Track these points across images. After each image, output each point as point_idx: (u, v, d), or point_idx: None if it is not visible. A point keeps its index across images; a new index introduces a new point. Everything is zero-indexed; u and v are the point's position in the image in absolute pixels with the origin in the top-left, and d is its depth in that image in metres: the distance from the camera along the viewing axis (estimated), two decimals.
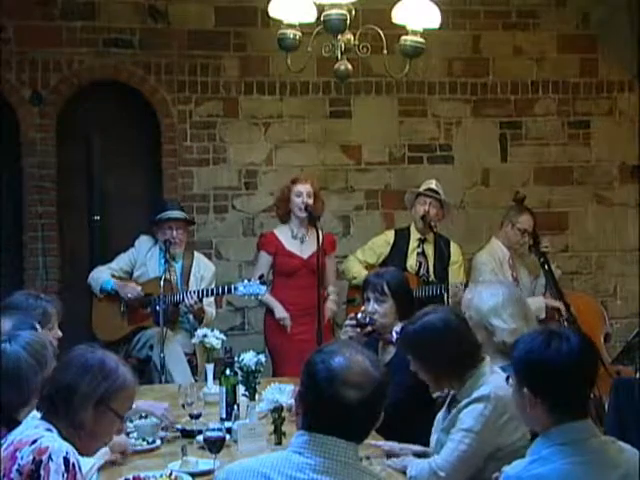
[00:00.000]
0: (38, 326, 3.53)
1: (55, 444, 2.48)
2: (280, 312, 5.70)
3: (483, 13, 7.07)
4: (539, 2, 7.14)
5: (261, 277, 5.41)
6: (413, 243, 6.02)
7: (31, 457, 2.45)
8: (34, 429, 2.54)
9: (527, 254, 6.16)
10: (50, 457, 2.44)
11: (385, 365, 4.04)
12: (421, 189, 6.02)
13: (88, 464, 3.14)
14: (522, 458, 2.53)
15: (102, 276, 5.80)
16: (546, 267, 6.01)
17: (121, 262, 5.88)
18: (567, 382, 2.38)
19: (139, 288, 5.72)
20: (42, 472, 2.43)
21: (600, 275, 7.26)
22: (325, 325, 5.62)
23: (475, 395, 3.21)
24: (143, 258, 5.86)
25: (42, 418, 2.57)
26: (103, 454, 3.31)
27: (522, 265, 6.15)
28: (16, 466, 2.45)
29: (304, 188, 5.69)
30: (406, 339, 3.41)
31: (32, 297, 3.85)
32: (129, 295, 5.71)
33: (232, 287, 5.51)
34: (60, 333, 3.88)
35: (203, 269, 5.92)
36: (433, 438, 3.41)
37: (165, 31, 6.67)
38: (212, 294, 5.71)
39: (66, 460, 2.47)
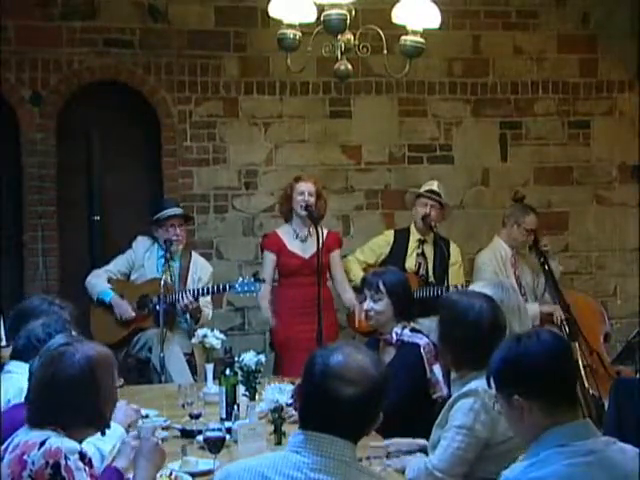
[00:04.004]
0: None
1: (65, 443, 2.48)
2: (270, 321, 5.80)
3: (483, 13, 7.07)
4: (539, 2, 7.14)
5: (255, 274, 5.45)
6: (413, 244, 6.01)
7: (43, 461, 2.44)
8: (39, 431, 2.53)
9: (528, 254, 6.16)
10: (66, 457, 2.44)
11: (387, 365, 4.05)
12: (422, 189, 6.01)
13: (109, 444, 3.20)
14: (513, 458, 2.55)
15: (99, 283, 5.78)
16: (546, 267, 6.02)
17: (119, 264, 5.87)
18: (551, 373, 2.36)
19: (133, 313, 5.71)
20: (64, 473, 2.43)
21: (600, 275, 7.25)
22: (332, 324, 5.64)
23: (464, 390, 3.22)
24: (141, 259, 5.86)
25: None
26: (120, 436, 3.35)
27: (524, 264, 6.14)
28: (27, 471, 2.44)
29: (306, 187, 5.70)
30: (442, 301, 3.63)
31: (55, 305, 3.83)
32: (122, 317, 5.70)
33: (228, 286, 5.55)
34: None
35: (200, 270, 5.93)
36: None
37: (165, 31, 6.67)
38: (208, 293, 5.73)
39: (82, 455, 2.48)
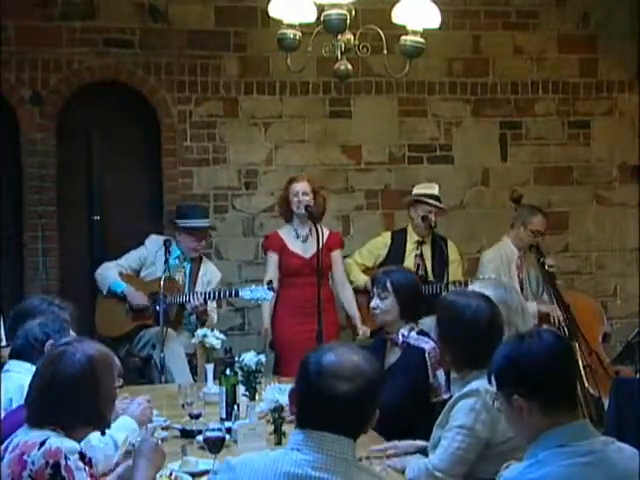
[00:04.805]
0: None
1: (64, 443, 2.48)
2: (265, 322, 5.76)
3: (483, 13, 7.07)
4: (539, 2, 7.14)
5: (269, 283, 5.40)
6: (410, 245, 6.04)
7: (43, 461, 2.44)
8: (39, 431, 2.54)
9: (528, 253, 6.14)
10: (66, 457, 2.45)
11: (390, 367, 4.06)
12: (422, 191, 6.01)
13: (122, 434, 3.25)
14: (514, 458, 2.55)
15: (111, 275, 5.82)
16: (546, 267, 6.02)
17: (130, 259, 5.90)
18: (553, 375, 2.36)
19: (147, 299, 5.74)
20: (64, 473, 2.43)
21: (600, 275, 7.26)
22: (332, 325, 5.65)
23: (465, 390, 3.22)
24: (153, 257, 5.87)
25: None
26: (132, 429, 3.39)
27: (531, 266, 6.13)
28: (27, 471, 2.44)
29: (300, 187, 5.72)
30: (440, 302, 3.58)
31: (55, 305, 3.82)
32: (137, 304, 5.74)
33: (239, 291, 5.49)
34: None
35: (210, 274, 5.98)
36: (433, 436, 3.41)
37: (165, 31, 6.67)
38: (218, 297, 5.75)
39: (82, 455, 2.48)
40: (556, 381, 2.37)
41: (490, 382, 2.48)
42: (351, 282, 6.00)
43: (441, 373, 4.01)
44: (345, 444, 2.19)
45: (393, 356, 4.14)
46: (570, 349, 2.56)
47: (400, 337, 4.12)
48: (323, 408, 2.19)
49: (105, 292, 5.81)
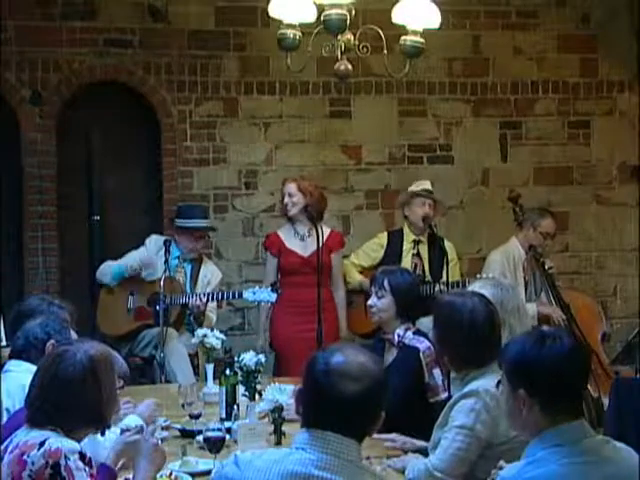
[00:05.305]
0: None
1: (64, 443, 2.48)
2: (262, 324, 5.86)
3: (483, 13, 7.07)
4: (539, 2, 7.14)
5: (274, 284, 5.39)
6: (407, 245, 6.04)
7: (43, 461, 2.44)
8: (39, 431, 2.54)
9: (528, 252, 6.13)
10: (66, 457, 2.45)
11: (387, 367, 4.06)
12: (416, 188, 6.03)
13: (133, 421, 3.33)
14: (513, 458, 2.55)
15: (111, 264, 5.84)
16: (545, 267, 6.01)
17: (131, 259, 5.90)
18: (564, 381, 2.37)
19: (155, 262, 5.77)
20: (64, 473, 2.44)
21: (600, 275, 7.25)
22: (332, 325, 5.65)
23: (465, 390, 3.22)
24: (153, 257, 5.87)
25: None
26: (136, 420, 3.45)
27: (536, 267, 6.11)
28: (27, 472, 2.45)
29: (287, 188, 5.77)
30: (435, 303, 3.57)
31: (55, 305, 3.82)
32: (147, 266, 5.77)
33: (242, 292, 5.45)
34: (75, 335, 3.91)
35: (210, 274, 5.99)
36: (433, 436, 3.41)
37: (165, 31, 6.67)
38: (222, 298, 5.75)
39: (82, 455, 2.48)
40: (566, 387, 2.38)
41: (500, 367, 2.48)
42: (347, 282, 6.01)
43: (438, 373, 4.03)
44: (350, 445, 2.20)
45: (391, 356, 4.16)
46: (588, 358, 2.56)
47: (396, 337, 4.14)
48: (329, 408, 2.20)
49: (110, 280, 5.81)
